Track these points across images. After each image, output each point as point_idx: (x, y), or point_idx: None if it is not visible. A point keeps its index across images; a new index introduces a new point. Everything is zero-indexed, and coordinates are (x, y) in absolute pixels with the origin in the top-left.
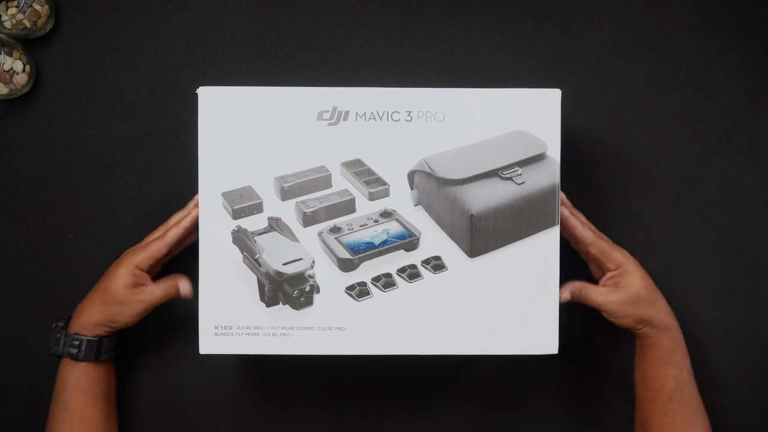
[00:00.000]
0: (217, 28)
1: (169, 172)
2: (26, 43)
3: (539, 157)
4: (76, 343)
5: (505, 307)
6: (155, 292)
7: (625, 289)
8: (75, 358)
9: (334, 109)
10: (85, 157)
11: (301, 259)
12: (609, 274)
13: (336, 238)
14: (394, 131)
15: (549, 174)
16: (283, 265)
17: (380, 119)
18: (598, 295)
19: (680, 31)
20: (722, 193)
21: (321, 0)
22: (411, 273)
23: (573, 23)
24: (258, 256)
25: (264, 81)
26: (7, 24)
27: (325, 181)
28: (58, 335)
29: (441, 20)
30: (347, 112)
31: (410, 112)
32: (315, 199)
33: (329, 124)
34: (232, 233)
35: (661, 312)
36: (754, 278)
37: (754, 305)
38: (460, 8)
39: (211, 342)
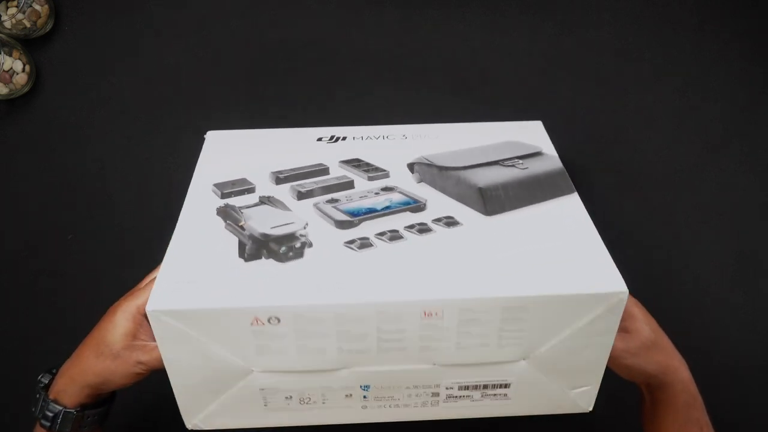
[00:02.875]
0: (217, 28)
1: (169, 172)
2: (26, 43)
3: (537, 154)
4: (50, 415)
5: (547, 247)
6: (157, 353)
7: (637, 334)
8: (48, 429)
9: (332, 136)
10: (85, 157)
11: (292, 222)
12: None
13: (333, 207)
14: (391, 146)
15: (551, 162)
16: (271, 228)
17: (376, 140)
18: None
19: (680, 31)
20: (722, 193)
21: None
22: (421, 228)
23: (573, 23)
24: (243, 222)
25: (263, 81)
26: (7, 24)
27: (322, 172)
28: (38, 395)
29: (441, 20)
30: (344, 137)
31: (405, 135)
32: (311, 182)
33: (327, 142)
34: (217, 209)
35: (674, 359)
36: (754, 278)
37: (754, 305)
38: (460, 8)
39: (161, 297)
